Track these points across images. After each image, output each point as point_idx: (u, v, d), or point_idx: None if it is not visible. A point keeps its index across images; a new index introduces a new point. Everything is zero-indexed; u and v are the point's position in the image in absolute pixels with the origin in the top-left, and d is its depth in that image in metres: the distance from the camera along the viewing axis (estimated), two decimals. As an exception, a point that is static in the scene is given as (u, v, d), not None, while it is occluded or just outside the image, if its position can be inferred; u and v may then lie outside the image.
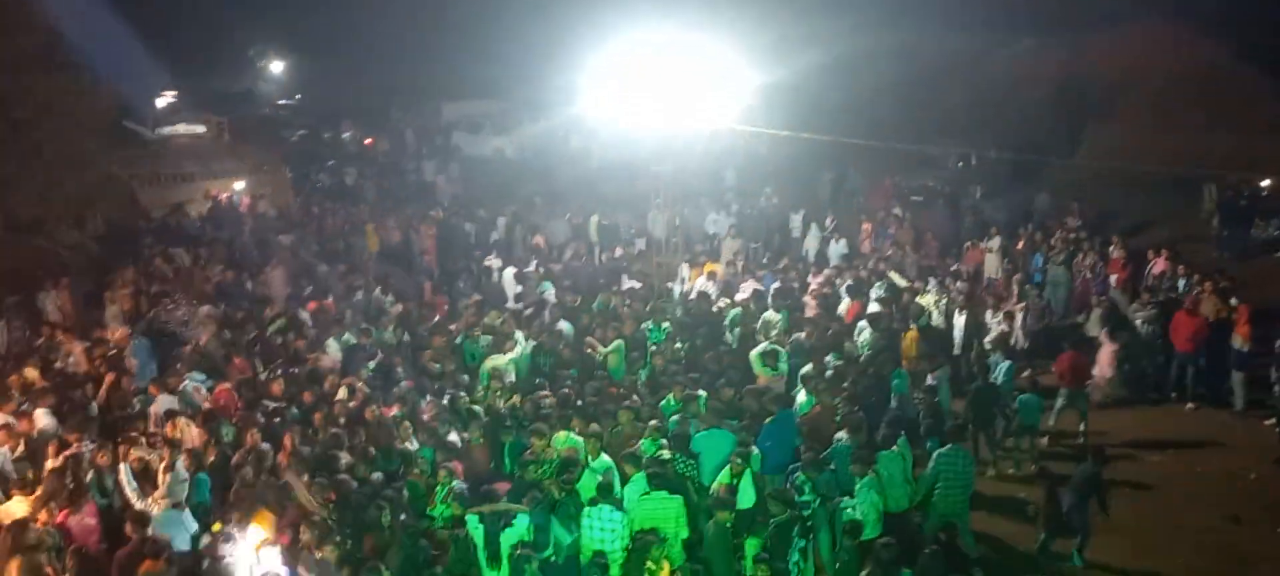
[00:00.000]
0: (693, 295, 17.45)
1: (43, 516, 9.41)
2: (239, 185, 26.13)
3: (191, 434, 11.10)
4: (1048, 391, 13.61)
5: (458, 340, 14.86)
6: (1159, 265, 17.51)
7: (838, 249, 20.75)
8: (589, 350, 14.02)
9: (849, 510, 9.68)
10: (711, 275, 18.16)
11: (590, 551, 9.20)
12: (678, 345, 14.69)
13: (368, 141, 36.91)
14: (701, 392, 12.03)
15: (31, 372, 12.93)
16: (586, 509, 9.49)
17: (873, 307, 15.58)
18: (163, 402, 11.91)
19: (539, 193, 24.92)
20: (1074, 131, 25.42)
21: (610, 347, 14.08)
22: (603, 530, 9.28)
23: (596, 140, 26.86)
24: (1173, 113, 23.61)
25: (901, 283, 16.54)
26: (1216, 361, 14.40)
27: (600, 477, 9.82)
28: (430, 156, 32.96)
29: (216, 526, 9.29)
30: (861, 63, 26.51)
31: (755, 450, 10.62)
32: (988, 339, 14.73)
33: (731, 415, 11.58)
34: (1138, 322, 15.30)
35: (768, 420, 11.33)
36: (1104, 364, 14.66)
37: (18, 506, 9.66)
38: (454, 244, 22.09)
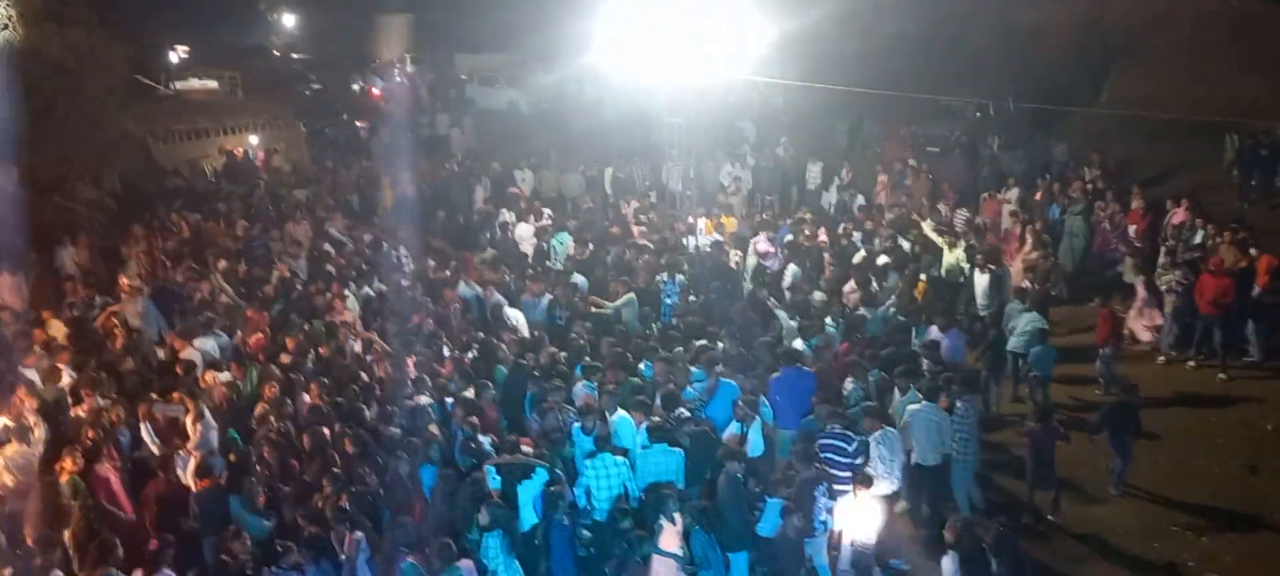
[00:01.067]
0: (707, 247, 17.43)
1: (68, 464, 9.56)
2: (253, 140, 26.16)
3: (215, 386, 11.22)
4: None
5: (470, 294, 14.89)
6: (1178, 215, 17.28)
7: (855, 203, 20.62)
8: (595, 309, 14.01)
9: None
10: (725, 228, 18.13)
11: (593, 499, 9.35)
12: (692, 298, 14.73)
13: (376, 93, 36.78)
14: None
15: (56, 327, 13.07)
16: (588, 460, 9.58)
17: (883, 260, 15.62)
18: (188, 355, 12.03)
19: (553, 145, 24.81)
20: (1095, 80, 25.01)
21: (622, 300, 14.11)
22: (603, 479, 9.37)
23: (610, 92, 26.65)
24: (1197, 59, 23.14)
25: (934, 238, 16.30)
26: (1236, 312, 14.16)
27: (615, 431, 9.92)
28: (444, 109, 32.87)
29: None
30: (878, 11, 26.07)
31: (764, 402, 10.68)
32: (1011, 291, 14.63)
33: (744, 367, 11.61)
34: (1168, 283, 14.62)
35: (774, 376, 11.37)
36: (1154, 316, 14.53)
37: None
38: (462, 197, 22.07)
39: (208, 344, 12.48)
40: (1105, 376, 13.51)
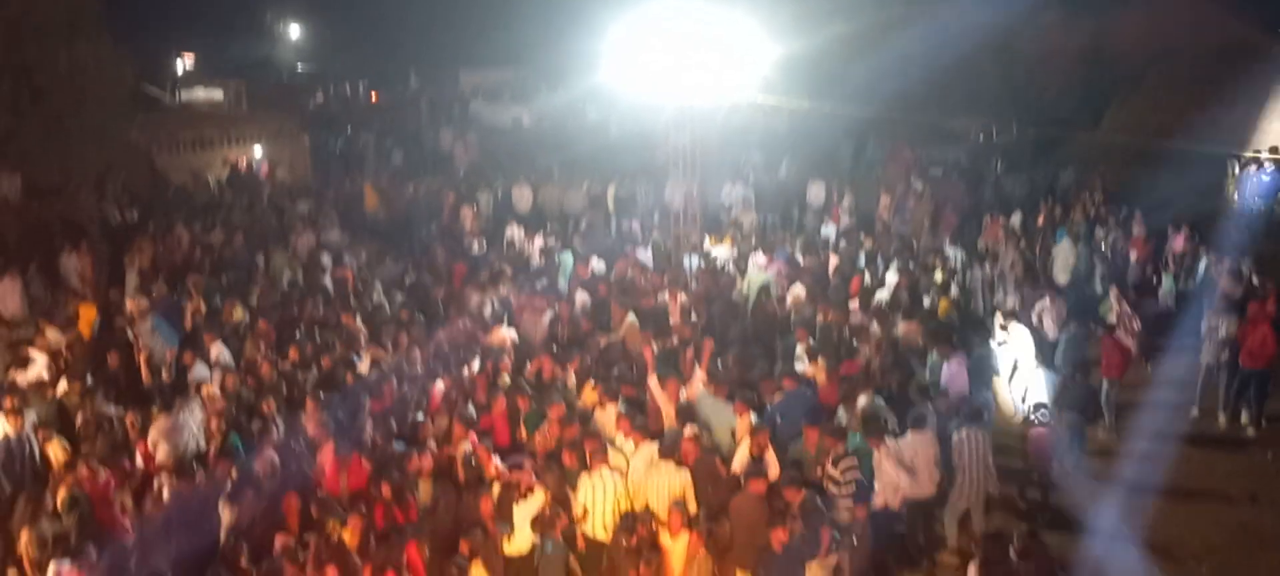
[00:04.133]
0: (705, 266, 17.45)
1: (84, 471, 9.61)
2: (257, 151, 26.19)
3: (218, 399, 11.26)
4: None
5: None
6: (1179, 242, 17.34)
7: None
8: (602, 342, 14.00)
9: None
10: (725, 246, 18.15)
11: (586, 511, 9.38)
12: (694, 318, 14.73)
13: (374, 97, 36.92)
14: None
15: (54, 335, 13.09)
16: (585, 474, 9.57)
17: (892, 277, 15.61)
18: (198, 371, 12.10)
19: (557, 162, 24.87)
20: (1098, 106, 25.15)
21: (625, 325, 14.10)
22: (602, 494, 9.38)
23: (615, 111, 26.79)
24: (1198, 88, 23.29)
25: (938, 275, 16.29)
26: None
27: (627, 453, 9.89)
28: (448, 124, 32.95)
29: None
30: (884, 34, 26.20)
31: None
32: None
33: (745, 387, 11.60)
34: (1220, 333, 13.50)
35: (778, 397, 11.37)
36: (1134, 323, 14.10)
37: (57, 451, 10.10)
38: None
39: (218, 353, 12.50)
40: (1109, 410, 13.34)
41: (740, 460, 10.00)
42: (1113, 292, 14.99)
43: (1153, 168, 21.27)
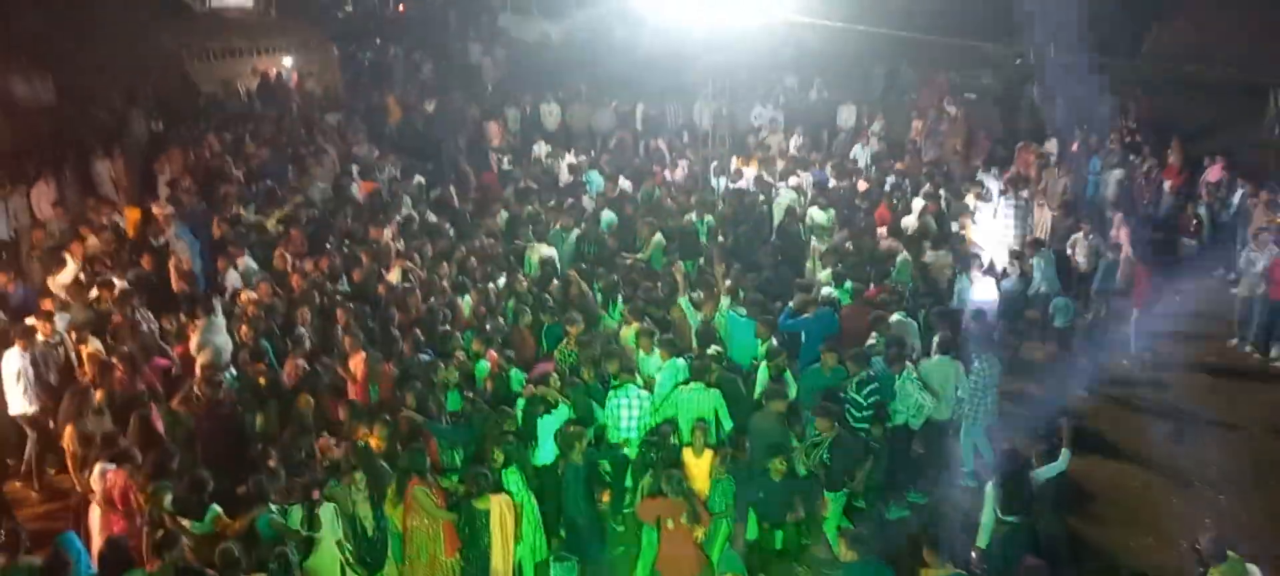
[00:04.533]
0: (733, 187, 17.40)
1: (119, 372, 9.88)
2: (287, 61, 26.11)
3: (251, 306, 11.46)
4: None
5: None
6: (1214, 172, 17.05)
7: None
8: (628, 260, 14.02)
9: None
10: (754, 168, 18.06)
11: (614, 431, 9.48)
12: (721, 238, 14.76)
13: (401, 7, 36.52)
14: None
15: (93, 241, 13.30)
16: (612, 390, 9.68)
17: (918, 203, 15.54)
18: (231, 278, 12.34)
19: (585, 80, 24.65)
20: (1137, 31, 24.56)
21: (652, 244, 14.13)
22: (626, 410, 9.49)
23: (645, 29, 26.43)
24: (1242, 12, 22.67)
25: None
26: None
27: (654, 373, 10.01)
28: (476, 37, 32.64)
29: None
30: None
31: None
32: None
33: (768, 310, 11.68)
34: (1257, 266, 13.38)
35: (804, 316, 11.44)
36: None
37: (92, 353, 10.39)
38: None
39: (246, 263, 12.70)
40: (1136, 343, 13.34)
41: (762, 380, 10.12)
42: (1116, 219, 14.94)
43: (1192, 95, 20.87)
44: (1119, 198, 16.98)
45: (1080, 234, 14.74)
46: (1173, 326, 13.98)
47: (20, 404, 10.32)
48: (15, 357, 10.27)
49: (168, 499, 7.86)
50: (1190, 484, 10.63)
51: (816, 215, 15.35)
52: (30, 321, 10.69)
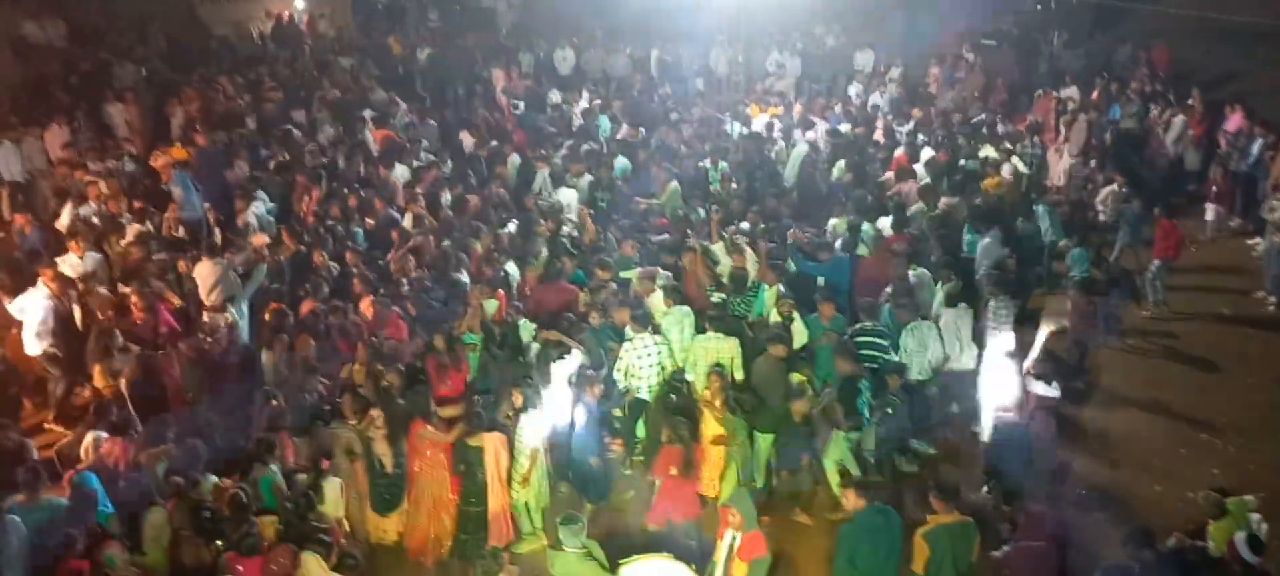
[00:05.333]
0: (747, 133, 17.27)
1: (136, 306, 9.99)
2: (299, 3, 25.90)
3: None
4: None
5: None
6: (1234, 121, 16.79)
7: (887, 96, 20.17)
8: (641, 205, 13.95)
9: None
10: (768, 115, 17.92)
11: (628, 379, 9.50)
12: (734, 185, 14.69)
13: None
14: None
15: (105, 186, 13.34)
16: (627, 339, 9.69)
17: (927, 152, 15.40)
18: (249, 218, 12.41)
19: (600, 25, 24.41)
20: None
21: (667, 190, 14.08)
22: (639, 358, 9.50)
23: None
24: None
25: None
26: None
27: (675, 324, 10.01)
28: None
29: None
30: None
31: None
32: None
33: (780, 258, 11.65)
34: (1277, 215, 13.44)
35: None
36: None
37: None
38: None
39: (258, 207, 12.71)
40: (1155, 293, 13.26)
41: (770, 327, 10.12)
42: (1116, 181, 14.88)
43: (1216, 41, 20.50)
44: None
45: (1112, 186, 14.60)
46: (1192, 277, 13.92)
47: (42, 343, 10.40)
48: (41, 298, 10.35)
49: (161, 469, 7.94)
50: (1201, 432, 10.61)
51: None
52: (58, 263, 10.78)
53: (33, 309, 10.34)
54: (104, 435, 8.37)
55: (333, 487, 8.00)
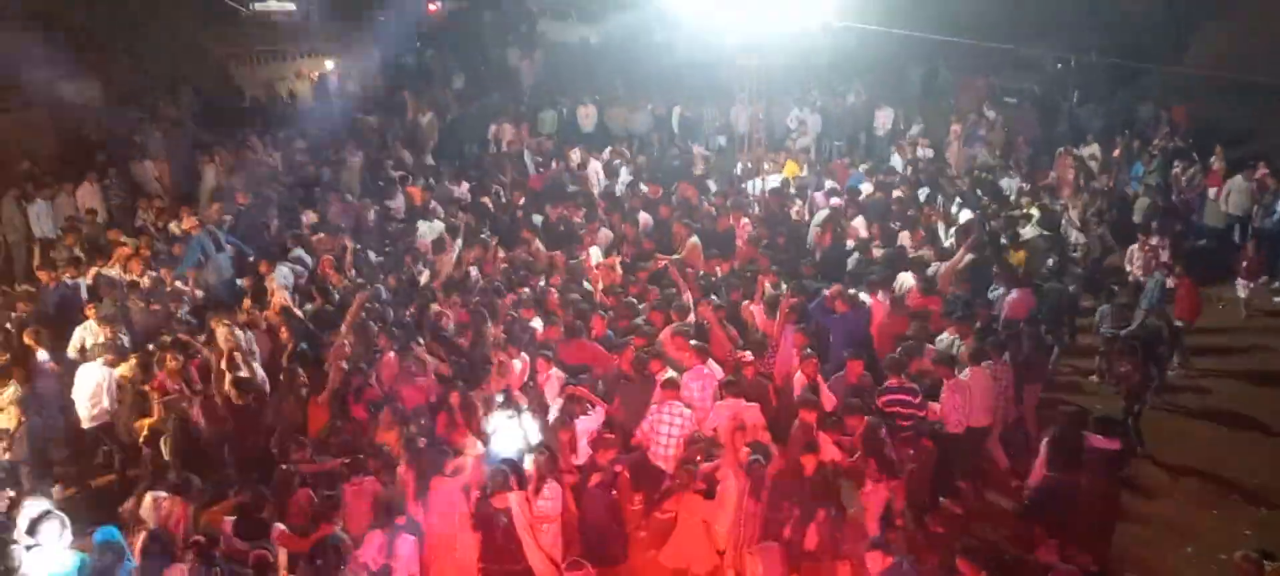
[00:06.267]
0: (770, 189, 17.35)
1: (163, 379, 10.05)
2: (329, 64, 26.44)
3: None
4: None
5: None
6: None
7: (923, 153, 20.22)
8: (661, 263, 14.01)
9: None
10: (788, 171, 18.01)
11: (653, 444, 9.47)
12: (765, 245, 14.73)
13: (431, 8, 36.67)
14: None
15: (127, 247, 13.55)
16: (654, 407, 9.67)
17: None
18: (277, 277, 12.51)
19: (622, 82, 24.75)
20: (1182, 35, 24.17)
21: (687, 246, 14.14)
22: (667, 426, 9.50)
23: (681, 32, 26.44)
24: (1292, 16, 22.25)
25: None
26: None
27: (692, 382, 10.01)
28: (515, 42, 32.82)
29: None
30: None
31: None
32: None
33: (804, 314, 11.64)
34: None
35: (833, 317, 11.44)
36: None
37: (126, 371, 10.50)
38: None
39: (283, 269, 12.87)
40: (1180, 350, 13.08)
41: (797, 386, 10.09)
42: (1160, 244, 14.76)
43: (1238, 100, 20.49)
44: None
45: (1136, 244, 14.61)
46: (1218, 337, 13.83)
47: (98, 411, 10.45)
48: (96, 371, 10.41)
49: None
50: (1231, 494, 10.47)
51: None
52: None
53: (84, 381, 10.38)
54: (163, 494, 8.32)
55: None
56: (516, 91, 26.54)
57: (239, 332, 10.78)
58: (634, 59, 27.36)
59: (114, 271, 12.72)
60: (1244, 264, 14.97)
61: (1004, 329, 11.71)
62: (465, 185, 17.57)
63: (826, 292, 11.76)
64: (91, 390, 10.32)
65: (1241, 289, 14.89)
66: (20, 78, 17.88)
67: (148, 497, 8.36)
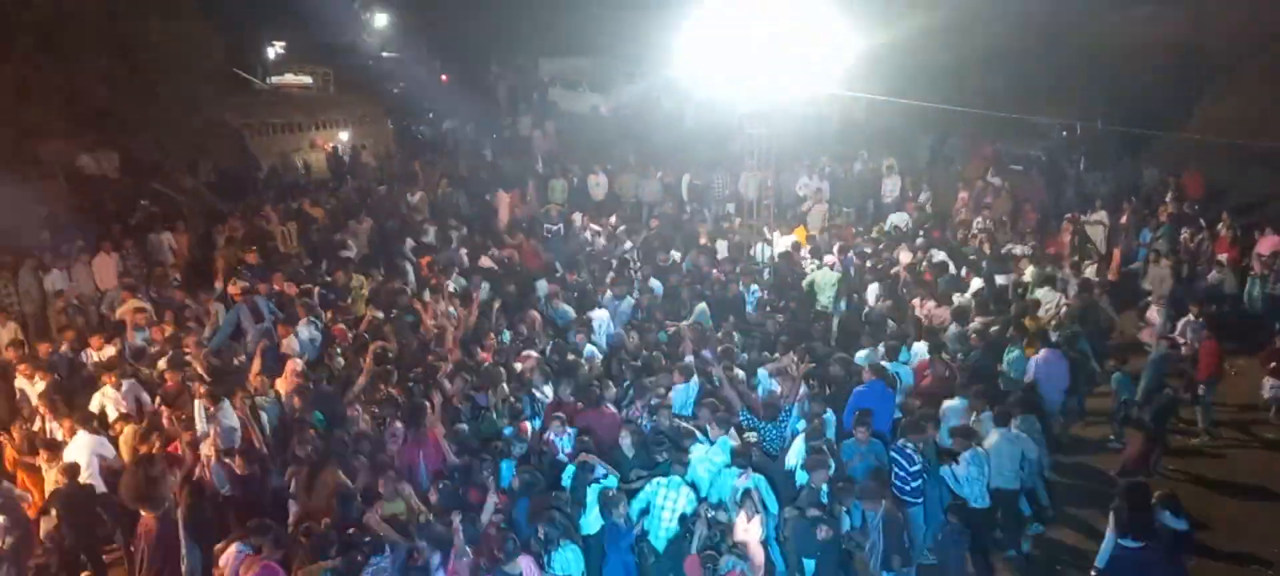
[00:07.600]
0: (780, 254, 17.43)
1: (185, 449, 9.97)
2: (344, 135, 26.85)
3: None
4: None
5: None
6: (1266, 244, 16.71)
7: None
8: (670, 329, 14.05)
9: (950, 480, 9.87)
10: (797, 242, 18.10)
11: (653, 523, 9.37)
12: (769, 310, 14.76)
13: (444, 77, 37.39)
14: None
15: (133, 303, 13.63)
16: (656, 479, 9.53)
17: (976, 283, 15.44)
18: (291, 344, 12.56)
19: (633, 151, 25.04)
20: (1188, 102, 24.37)
21: (696, 312, 14.18)
22: (670, 505, 9.36)
23: (691, 102, 26.86)
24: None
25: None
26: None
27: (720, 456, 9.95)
28: (527, 112, 33.31)
29: None
30: (970, 26, 25.68)
31: (830, 414, 10.68)
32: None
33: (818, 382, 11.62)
34: None
35: (858, 387, 11.33)
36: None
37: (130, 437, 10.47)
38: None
39: (304, 331, 12.93)
40: (1204, 415, 13.04)
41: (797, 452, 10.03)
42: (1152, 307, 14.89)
43: (1246, 166, 20.59)
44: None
45: (1152, 309, 14.61)
46: (1237, 399, 13.75)
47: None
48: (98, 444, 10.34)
49: None
50: (1251, 566, 10.32)
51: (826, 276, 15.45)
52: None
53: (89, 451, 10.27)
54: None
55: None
56: (529, 161, 26.85)
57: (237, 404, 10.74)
58: (644, 128, 27.73)
59: (138, 339, 12.80)
60: (1274, 365, 13.64)
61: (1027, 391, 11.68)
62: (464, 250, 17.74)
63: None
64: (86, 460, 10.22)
65: (1267, 389, 13.61)
66: (39, 150, 18.18)
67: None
